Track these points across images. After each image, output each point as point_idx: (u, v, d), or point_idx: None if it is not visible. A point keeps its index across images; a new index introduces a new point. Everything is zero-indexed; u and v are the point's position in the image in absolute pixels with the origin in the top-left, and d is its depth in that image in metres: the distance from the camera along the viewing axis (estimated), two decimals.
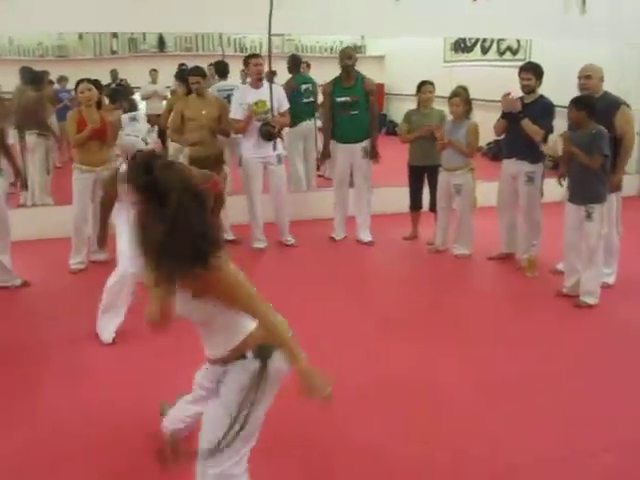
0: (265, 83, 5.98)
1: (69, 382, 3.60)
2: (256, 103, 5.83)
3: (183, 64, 10.02)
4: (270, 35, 5.90)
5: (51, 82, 9.36)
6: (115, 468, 2.80)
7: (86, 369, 3.74)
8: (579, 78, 4.97)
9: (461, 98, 5.65)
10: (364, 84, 6.06)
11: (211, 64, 9.05)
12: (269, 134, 5.85)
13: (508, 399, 3.40)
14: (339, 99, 6.06)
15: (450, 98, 5.78)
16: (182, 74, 7.21)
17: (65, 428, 3.13)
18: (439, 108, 6.14)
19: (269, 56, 6.12)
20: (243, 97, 5.89)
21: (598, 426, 3.15)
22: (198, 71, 6.02)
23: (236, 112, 5.87)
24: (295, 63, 7.76)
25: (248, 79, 6.24)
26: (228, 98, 6.23)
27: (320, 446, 2.97)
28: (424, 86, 6.09)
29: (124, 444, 2.97)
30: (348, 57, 6.00)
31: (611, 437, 3.06)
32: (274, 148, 5.96)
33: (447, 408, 3.31)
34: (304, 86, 7.48)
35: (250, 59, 5.97)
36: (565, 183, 4.83)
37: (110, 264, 5.50)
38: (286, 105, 6.08)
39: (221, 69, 7.27)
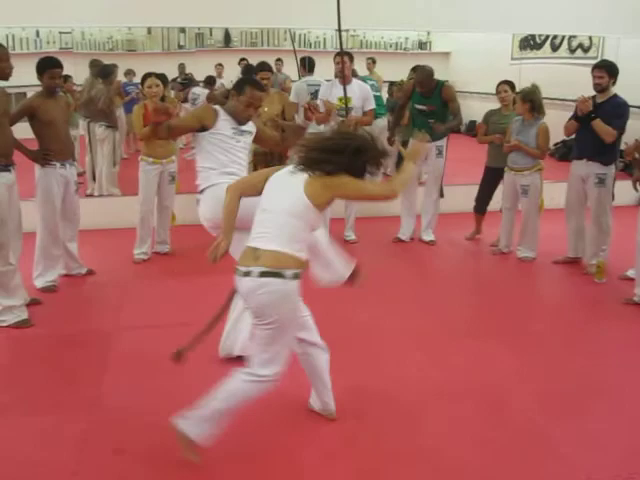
0: (354, 81, 5.94)
1: (131, 370, 3.66)
2: (340, 99, 5.82)
3: (244, 58, 10.12)
4: (340, 31, 5.84)
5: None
6: (180, 457, 2.82)
7: (147, 358, 3.79)
8: None
9: (521, 96, 5.48)
10: (442, 92, 5.92)
11: (302, 59, 9.07)
12: None
13: (573, 409, 3.29)
14: (417, 106, 6.00)
15: (515, 95, 5.64)
16: (248, 69, 7.25)
17: (127, 415, 3.17)
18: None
19: (341, 52, 6.03)
20: (328, 92, 5.88)
21: None
22: (267, 67, 6.04)
23: (319, 104, 5.84)
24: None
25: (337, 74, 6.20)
26: (316, 93, 6.23)
27: (384, 448, 2.93)
28: (500, 86, 5.92)
29: None
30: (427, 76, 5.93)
31: None
32: None
33: (509, 414, 3.22)
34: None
35: (335, 57, 5.95)
36: None
37: (172, 256, 5.64)
38: (371, 105, 6.01)
39: (308, 64, 7.19)
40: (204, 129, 3.82)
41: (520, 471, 2.78)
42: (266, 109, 5.84)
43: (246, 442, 2.94)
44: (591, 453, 2.91)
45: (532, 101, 5.44)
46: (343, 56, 5.82)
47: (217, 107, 3.93)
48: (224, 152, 3.85)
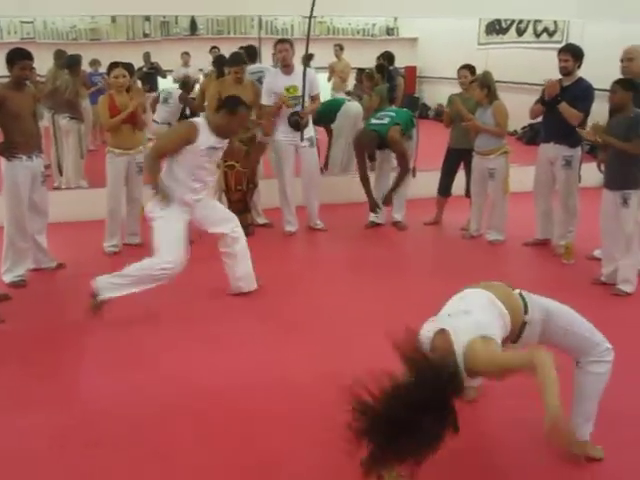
0: (297, 68, 5.92)
1: (105, 363, 3.64)
2: (287, 89, 5.78)
3: (215, 47, 10.05)
4: (311, 17, 5.82)
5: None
6: (155, 449, 2.83)
7: (123, 351, 3.77)
8: (621, 60, 4.84)
9: (477, 83, 5.57)
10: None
11: (241, 47, 9.04)
12: (297, 124, 5.82)
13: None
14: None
15: (470, 83, 5.74)
16: (221, 59, 7.20)
17: (103, 408, 3.16)
18: None
19: (307, 39, 6.01)
20: (274, 83, 5.83)
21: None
22: (241, 59, 5.99)
23: (267, 99, 5.83)
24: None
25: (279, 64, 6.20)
26: (259, 80, 6.19)
27: None
28: (460, 70, 5.99)
29: (165, 424, 3.01)
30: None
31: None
32: (301, 139, 5.90)
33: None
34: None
35: (277, 45, 5.93)
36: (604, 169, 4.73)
37: (143, 247, 5.59)
38: (318, 89, 6.02)
39: (250, 53, 7.10)
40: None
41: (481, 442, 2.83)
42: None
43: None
44: None
45: (489, 87, 5.52)
46: (286, 43, 5.83)
47: (197, 121, 4.03)
48: (195, 168, 3.99)
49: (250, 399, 3.21)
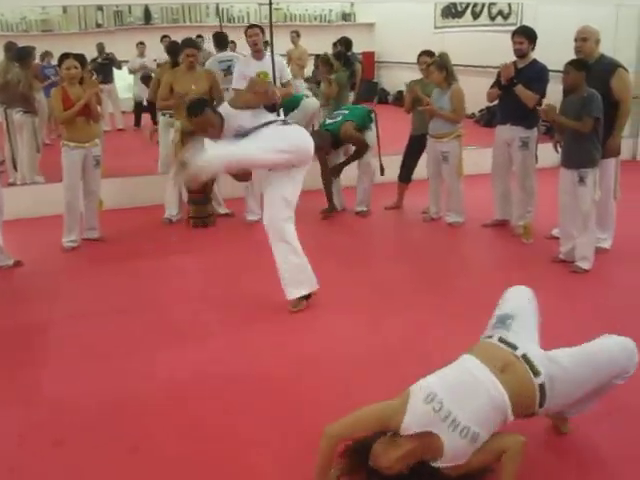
0: (267, 54, 5.90)
1: (68, 360, 3.58)
2: (258, 75, 5.75)
3: (166, 35, 9.90)
4: (271, 3, 5.77)
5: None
6: (123, 441, 2.80)
7: (85, 347, 3.71)
8: (575, 40, 4.89)
9: (435, 66, 5.57)
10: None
11: (199, 35, 8.95)
12: (272, 106, 5.77)
13: None
14: None
15: (428, 66, 5.74)
16: (173, 47, 7.09)
17: (66, 405, 3.11)
18: None
19: (270, 26, 5.95)
20: (246, 69, 5.77)
21: None
22: (193, 43, 5.89)
23: (239, 83, 5.75)
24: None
25: (242, 50, 6.14)
26: (229, 69, 6.13)
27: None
28: (421, 56, 5.99)
29: (132, 416, 2.98)
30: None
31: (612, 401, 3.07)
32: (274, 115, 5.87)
33: None
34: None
35: (247, 30, 5.87)
36: (560, 149, 4.80)
37: (102, 242, 5.52)
38: (288, 76, 6.00)
39: (220, 40, 7.03)
40: None
41: None
42: (194, 87, 5.74)
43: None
44: None
45: (447, 69, 5.55)
46: (256, 28, 5.78)
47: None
48: None
49: (219, 390, 3.20)
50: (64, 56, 5.24)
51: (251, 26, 5.92)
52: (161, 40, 9.70)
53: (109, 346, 3.72)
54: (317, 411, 2.92)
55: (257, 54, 5.80)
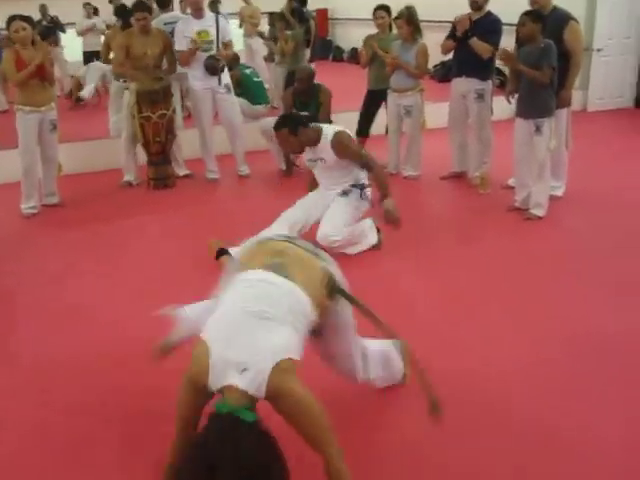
0: (208, 13, 5.85)
1: (41, 324, 3.59)
2: (199, 33, 5.68)
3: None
4: None
5: None
6: (100, 401, 2.84)
7: (57, 310, 3.72)
8: None
9: (404, 19, 5.58)
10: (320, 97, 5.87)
11: None
12: (213, 68, 5.73)
13: (465, 311, 3.54)
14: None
15: (395, 20, 5.74)
16: (122, 9, 6.92)
17: (45, 368, 3.14)
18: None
19: None
20: (186, 28, 5.71)
21: (553, 328, 3.33)
22: (144, 6, 5.78)
23: (180, 44, 5.71)
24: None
25: (189, 10, 6.04)
26: (173, 32, 6.02)
27: None
28: (377, 11, 5.99)
29: (106, 376, 3.02)
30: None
31: (566, 340, 3.23)
32: (219, 82, 5.84)
33: (404, 321, 3.44)
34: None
35: None
36: (514, 100, 4.91)
37: (62, 207, 5.46)
38: (229, 36, 5.94)
39: (162, 0, 6.75)
40: None
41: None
42: (149, 52, 5.65)
43: None
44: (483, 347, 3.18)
45: (414, 23, 5.58)
46: None
47: None
48: None
49: None
50: (11, 18, 5.08)
51: None
52: (110, 1, 9.43)
53: (76, 307, 3.74)
54: None
55: (197, 12, 5.73)
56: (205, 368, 1.85)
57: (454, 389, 2.68)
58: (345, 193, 4.35)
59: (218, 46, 5.75)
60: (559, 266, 4.08)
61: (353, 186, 4.35)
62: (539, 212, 4.78)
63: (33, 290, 4.01)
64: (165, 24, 6.18)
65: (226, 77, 5.94)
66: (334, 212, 4.28)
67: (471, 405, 2.70)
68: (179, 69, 6.00)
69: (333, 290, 2.18)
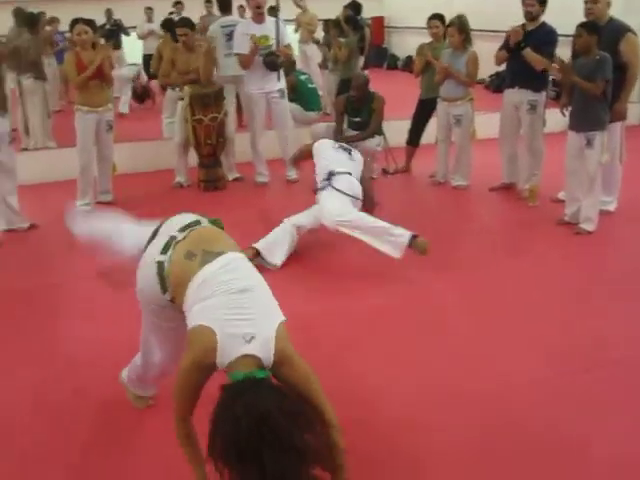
0: (268, 18, 5.93)
1: (82, 317, 3.70)
2: (259, 38, 5.77)
3: (179, 2, 9.88)
4: None
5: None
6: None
7: (101, 306, 3.82)
8: (585, 2, 4.87)
9: (455, 27, 5.57)
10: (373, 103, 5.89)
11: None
12: (273, 63, 5.82)
13: (503, 324, 3.50)
14: (353, 119, 5.95)
15: (446, 28, 5.74)
16: (169, 23, 7.09)
17: (82, 361, 3.23)
18: None
19: None
20: (246, 31, 5.81)
21: (586, 346, 3.25)
22: (185, 22, 5.92)
23: (240, 46, 5.80)
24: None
25: (248, 14, 6.15)
26: (231, 35, 6.13)
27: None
28: (431, 20, 6.02)
29: None
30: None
31: (603, 357, 3.16)
32: (278, 79, 5.93)
33: (445, 332, 3.42)
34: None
35: None
36: (567, 112, 4.83)
37: (115, 205, 5.60)
38: (288, 40, 6.04)
39: (223, 3, 6.89)
40: None
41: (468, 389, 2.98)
42: (191, 68, 5.83)
43: None
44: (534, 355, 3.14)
45: (466, 32, 5.56)
46: None
47: None
48: None
49: None
50: (75, 22, 5.29)
51: None
52: (174, 5, 9.68)
53: (119, 305, 3.82)
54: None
55: (258, 17, 5.81)
56: (212, 345, 1.93)
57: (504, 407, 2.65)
58: None
59: (277, 48, 5.84)
60: (607, 282, 3.99)
61: None
62: (589, 227, 4.68)
63: (78, 287, 4.11)
64: (222, 27, 6.31)
65: (282, 82, 6.02)
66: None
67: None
68: (236, 72, 6.12)
69: None
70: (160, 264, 2.19)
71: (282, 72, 6.01)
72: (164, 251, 2.21)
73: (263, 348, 1.93)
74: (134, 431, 2.69)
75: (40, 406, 2.88)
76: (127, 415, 2.78)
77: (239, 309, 1.98)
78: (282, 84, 6.02)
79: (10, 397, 2.94)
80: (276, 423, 1.69)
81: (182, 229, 2.26)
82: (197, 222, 2.32)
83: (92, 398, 2.91)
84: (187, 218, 2.35)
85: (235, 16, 7.28)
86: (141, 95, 9.71)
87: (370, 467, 2.38)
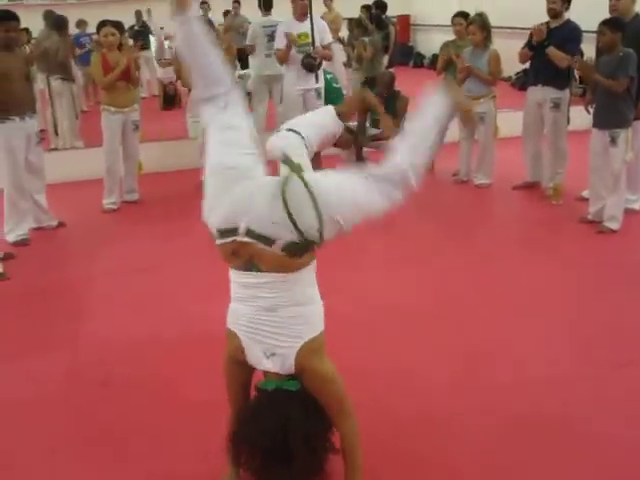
0: (309, 17, 5.98)
1: (109, 311, 3.79)
2: (299, 36, 5.85)
3: (205, 2, 9.96)
4: None
5: None
6: (158, 392, 2.96)
7: (126, 300, 3.91)
8: None
9: (477, 25, 5.55)
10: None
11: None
12: (310, 65, 5.87)
13: (526, 317, 3.50)
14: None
15: (467, 26, 5.72)
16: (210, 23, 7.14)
17: (115, 350, 3.31)
18: None
19: None
20: (287, 28, 5.89)
21: (612, 343, 3.23)
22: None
23: (279, 42, 5.90)
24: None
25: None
26: (272, 35, 6.20)
27: None
28: (455, 18, 6.02)
29: (165, 366, 3.14)
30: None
31: (624, 354, 3.14)
32: (316, 80, 5.97)
33: (468, 323, 3.43)
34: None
35: None
36: (592, 110, 4.78)
37: (141, 204, 5.70)
38: (329, 39, 6.09)
39: (265, 3, 6.96)
40: None
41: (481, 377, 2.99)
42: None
43: None
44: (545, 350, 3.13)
45: (487, 29, 5.54)
46: None
47: None
48: None
49: None
50: (102, 24, 5.40)
51: None
52: (201, 5, 9.73)
53: (142, 300, 3.91)
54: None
55: (302, 17, 5.88)
56: (239, 345, 2.10)
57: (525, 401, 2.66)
58: None
59: (314, 47, 5.89)
60: (627, 281, 3.95)
61: None
62: (613, 225, 4.64)
63: (103, 283, 4.21)
64: (263, 27, 6.40)
65: (320, 82, 6.07)
66: None
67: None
68: (273, 71, 6.24)
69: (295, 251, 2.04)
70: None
71: (320, 73, 6.05)
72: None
73: (283, 366, 2.08)
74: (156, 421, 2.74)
75: (71, 393, 2.97)
76: (149, 405, 2.84)
77: (263, 326, 2.08)
78: (320, 84, 6.08)
79: (39, 386, 3.03)
80: (293, 440, 1.97)
81: None
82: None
83: (122, 386, 2.99)
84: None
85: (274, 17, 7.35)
86: (172, 97, 9.86)
87: (389, 454, 2.40)
